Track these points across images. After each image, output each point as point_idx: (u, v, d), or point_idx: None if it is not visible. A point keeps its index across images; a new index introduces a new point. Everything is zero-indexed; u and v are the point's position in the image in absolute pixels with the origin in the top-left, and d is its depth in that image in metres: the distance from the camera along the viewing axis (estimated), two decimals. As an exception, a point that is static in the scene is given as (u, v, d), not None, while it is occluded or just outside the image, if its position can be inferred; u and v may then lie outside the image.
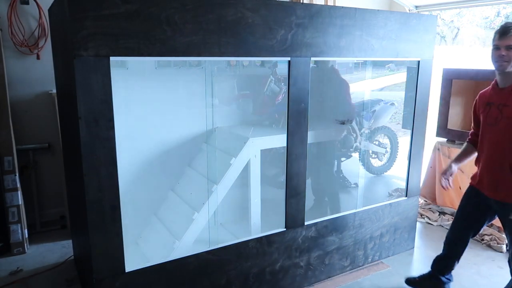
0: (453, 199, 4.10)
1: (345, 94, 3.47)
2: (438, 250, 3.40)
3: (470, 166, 3.92)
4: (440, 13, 5.74)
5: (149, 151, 3.07)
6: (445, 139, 4.29)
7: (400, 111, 4.61)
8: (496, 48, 2.11)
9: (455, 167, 2.51)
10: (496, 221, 3.77)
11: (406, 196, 3.25)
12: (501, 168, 2.20)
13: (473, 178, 2.49)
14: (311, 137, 2.88)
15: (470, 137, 2.57)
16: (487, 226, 3.67)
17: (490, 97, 2.29)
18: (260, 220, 3.02)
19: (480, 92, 2.42)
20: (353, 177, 4.24)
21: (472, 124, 2.55)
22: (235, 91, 3.47)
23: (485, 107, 2.30)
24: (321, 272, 2.90)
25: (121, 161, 2.04)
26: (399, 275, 3.00)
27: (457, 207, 4.05)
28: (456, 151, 4.05)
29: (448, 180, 2.52)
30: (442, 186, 2.55)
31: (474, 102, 2.46)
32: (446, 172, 2.52)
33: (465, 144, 2.59)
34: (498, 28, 2.11)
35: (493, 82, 2.30)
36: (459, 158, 2.56)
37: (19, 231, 3.25)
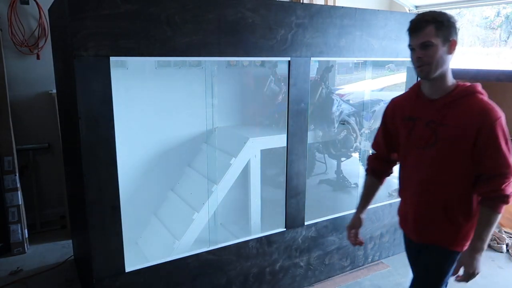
0: None
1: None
2: (438, 250, 3.40)
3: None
4: (440, 13, 5.74)
5: (149, 151, 3.07)
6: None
7: (400, 111, 4.59)
8: (411, 49, 1.60)
9: (363, 217, 1.95)
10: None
11: (406, 196, 3.25)
12: (431, 206, 1.67)
13: (398, 214, 1.92)
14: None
15: (370, 165, 1.93)
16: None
17: (412, 110, 1.70)
18: (260, 220, 3.02)
19: (393, 99, 1.84)
20: (353, 177, 4.24)
21: (376, 142, 1.90)
22: (235, 91, 3.47)
23: (406, 122, 1.71)
24: (321, 272, 2.90)
25: (121, 161, 2.04)
26: (399, 275, 3.00)
27: None
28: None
29: (357, 236, 1.93)
30: (352, 243, 1.96)
31: (385, 111, 1.85)
32: (353, 227, 1.94)
33: (365, 178, 1.96)
34: (409, 24, 1.60)
35: (413, 88, 1.74)
36: (363, 203, 1.95)
37: (19, 231, 3.25)
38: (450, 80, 1.60)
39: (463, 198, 1.62)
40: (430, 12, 1.58)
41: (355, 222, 1.94)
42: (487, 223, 1.56)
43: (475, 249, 1.56)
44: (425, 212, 1.70)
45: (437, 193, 1.65)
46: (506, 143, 1.52)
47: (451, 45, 1.55)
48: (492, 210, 1.55)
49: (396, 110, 1.78)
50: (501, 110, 1.54)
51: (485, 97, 1.58)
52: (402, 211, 1.86)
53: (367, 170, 1.95)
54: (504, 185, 1.52)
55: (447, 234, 1.66)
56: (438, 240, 1.69)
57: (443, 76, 1.58)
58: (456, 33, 1.56)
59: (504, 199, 1.54)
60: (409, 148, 1.72)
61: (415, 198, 1.74)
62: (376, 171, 1.92)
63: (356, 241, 1.92)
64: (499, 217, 1.57)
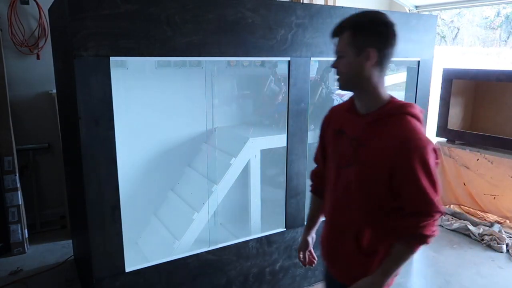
0: (458, 196, 4.12)
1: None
2: (438, 250, 3.41)
3: (474, 162, 3.95)
4: (440, 13, 5.74)
5: (149, 151, 3.07)
6: (445, 139, 4.29)
7: (400, 111, 4.59)
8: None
9: (310, 239, 1.72)
10: (497, 218, 3.78)
11: (406, 196, 3.25)
12: (343, 235, 1.45)
13: (320, 241, 1.63)
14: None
15: (313, 182, 1.71)
16: (487, 226, 3.68)
17: (343, 122, 1.46)
18: (260, 220, 3.02)
19: (333, 106, 1.61)
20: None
21: (316, 155, 1.66)
22: (235, 91, 3.47)
23: (336, 135, 1.47)
24: (321, 272, 2.90)
25: (121, 161, 2.04)
26: (399, 275, 2.99)
27: (462, 204, 4.09)
28: (457, 151, 4.08)
29: (306, 256, 1.71)
30: (303, 264, 1.73)
31: (323, 120, 1.61)
32: (300, 249, 1.72)
33: (311, 196, 1.74)
34: None
35: (350, 98, 1.47)
36: (309, 225, 1.72)
37: (19, 231, 3.25)
38: (380, 94, 1.35)
39: (379, 231, 1.39)
40: (354, 15, 1.33)
41: (301, 245, 1.72)
42: (398, 260, 1.36)
43: (375, 283, 1.37)
44: (338, 241, 1.47)
45: (350, 221, 1.42)
46: (429, 177, 1.28)
47: (367, 56, 1.28)
48: (406, 248, 1.36)
49: (332, 119, 1.54)
50: (428, 139, 1.30)
51: (415, 120, 1.32)
52: (322, 235, 1.59)
53: (311, 186, 1.72)
54: (423, 223, 1.30)
55: (360, 272, 1.41)
56: (351, 278, 1.42)
57: (366, 90, 1.34)
58: (378, 42, 1.28)
59: (422, 239, 1.33)
60: (332, 164, 1.49)
61: (329, 222, 1.53)
62: (318, 190, 1.66)
63: (305, 262, 1.72)
64: (413, 256, 1.39)
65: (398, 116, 1.32)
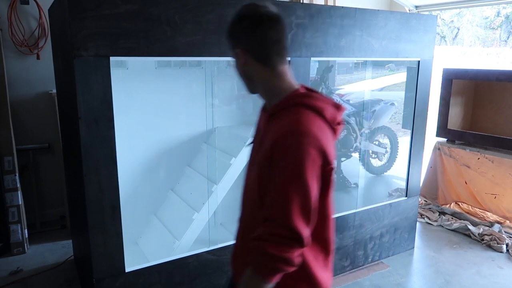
0: (459, 194, 4.12)
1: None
2: (438, 250, 3.41)
3: (475, 161, 3.96)
4: (440, 13, 5.75)
5: (149, 151, 3.07)
6: (445, 139, 4.30)
7: (400, 111, 4.61)
8: None
9: None
10: (497, 219, 3.78)
11: (406, 196, 3.25)
12: (245, 234, 1.27)
13: None
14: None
15: None
16: (487, 226, 3.68)
17: (260, 120, 1.33)
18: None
19: None
20: (353, 177, 4.24)
21: None
22: (235, 91, 3.47)
23: (256, 134, 1.33)
24: (321, 272, 2.89)
25: (121, 161, 2.04)
26: (399, 275, 3.00)
27: (463, 202, 4.09)
28: (457, 151, 4.08)
29: None
30: None
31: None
32: None
33: None
34: None
35: None
36: None
37: (19, 231, 3.25)
38: (279, 88, 1.20)
39: None
40: (232, 19, 1.21)
41: None
42: (245, 286, 1.09)
43: None
44: (243, 248, 1.25)
45: (251, 225, 1.18)
46: (300, 180, 1.03)
47: (238, 57, 1.21)
48: (252, 270, 1.06)
49: (258, 118, 1.38)
50: (315, 137, 1.06)
51: (312, 114, 1.11)
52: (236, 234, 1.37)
53: None
54: (270, 237, 1.02)
55: None
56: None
57: (260, 88, 1.24)
58: (243, 41, 1.19)
59: (267, 260, 1.02)
60: (247, 164, 1.33)
61: (238, 226, 1.34)
62: None
63: None
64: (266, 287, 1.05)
65: (291, 108, 1.13)
